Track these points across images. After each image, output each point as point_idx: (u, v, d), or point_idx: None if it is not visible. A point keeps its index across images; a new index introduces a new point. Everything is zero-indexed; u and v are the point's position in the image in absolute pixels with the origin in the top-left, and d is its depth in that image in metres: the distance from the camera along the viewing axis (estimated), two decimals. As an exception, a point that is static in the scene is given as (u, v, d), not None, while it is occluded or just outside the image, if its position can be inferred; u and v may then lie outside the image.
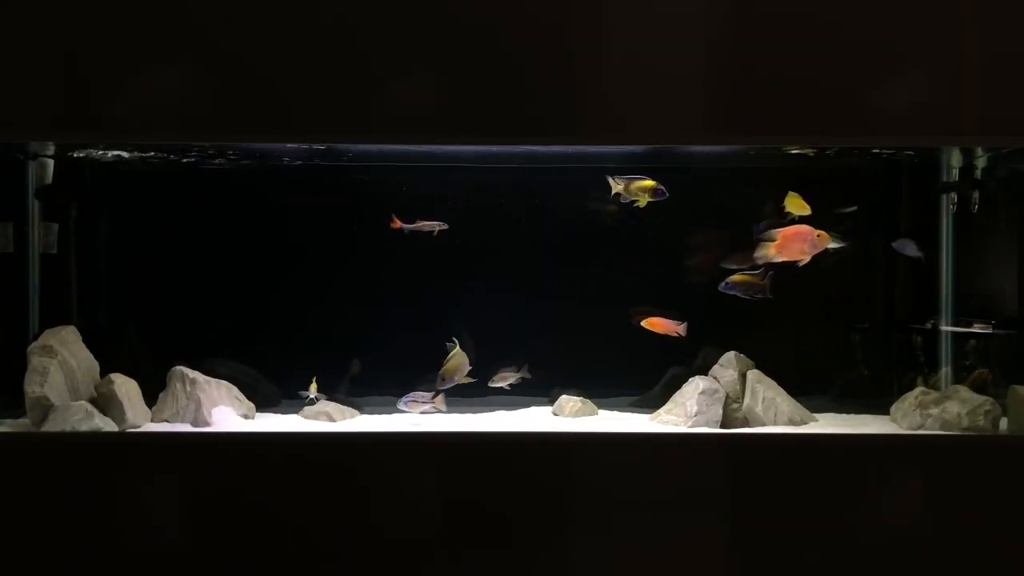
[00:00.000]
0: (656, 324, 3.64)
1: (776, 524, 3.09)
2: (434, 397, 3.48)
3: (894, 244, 3.79)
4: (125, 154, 3.71)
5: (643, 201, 3.51)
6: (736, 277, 3.53)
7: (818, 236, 3.40)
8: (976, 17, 3.12)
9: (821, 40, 3.12)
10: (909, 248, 3.81)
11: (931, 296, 3.96)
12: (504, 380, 3.63)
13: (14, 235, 3.74)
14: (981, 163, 3.82)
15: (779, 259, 3.43)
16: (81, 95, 3.09)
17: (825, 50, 3.12)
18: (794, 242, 3.40)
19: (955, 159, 3.87)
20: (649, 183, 3.49)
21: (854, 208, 3.93)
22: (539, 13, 3.10)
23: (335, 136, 3.26)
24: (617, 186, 3.51)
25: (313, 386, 3.63)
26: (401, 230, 3.63)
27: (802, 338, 4.01)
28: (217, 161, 3.79)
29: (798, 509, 3.09)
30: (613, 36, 3.11)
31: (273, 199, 3.88)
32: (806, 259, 3.42)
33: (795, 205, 3.53)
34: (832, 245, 3.59)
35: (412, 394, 3.51)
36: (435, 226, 3.65)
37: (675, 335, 3.63)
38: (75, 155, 3.76)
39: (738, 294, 3.53)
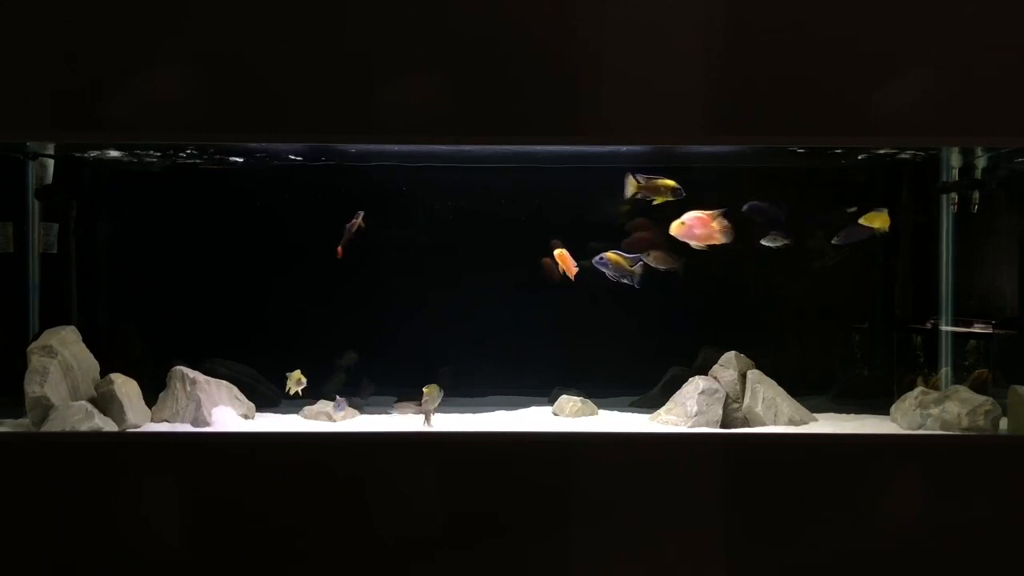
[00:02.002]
0: (563, 258, 3.67)
1: (776, 524, 3.09)
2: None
3: (835, 239, 3.79)
4: (123, 154, 3.72)
5: (660, 199, 3.54)
6: (610, 254, 3.57)
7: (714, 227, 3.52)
8: (976, 17, 3.12)
9: (821, 40, 3.12)
10: (854, 234, 3.80)
11: (931, 296, 3.96)
12: (405, 410, 3.57)
13: (14, 235, 3.74)
14: (981, 163, 3.83)
15: (684, 238, 3.51)
16: (81, 95, 3.09)
17: (825, 50, 3.12)
18: (697, 226, 3.50)
19: (955, 159, 3.87)
20: (669, 182, 3.53)
21: (854, 208, 3.93)
22: (539, 13, 3.10)
23: (334, 136, 3.26)
24: (633, 186, 3.54)
25: (295, 376, 3.61)
26: (347, 246, 3.63)
27: (802, 338, 4.01)
28: (217, 161, 3.79)
29: (798, 509, 3.09)
30: (613, 36, 3.10)
31: (273, 199, 3.88)
32: (699, 245, 3.52)
33: (878, 220, 3.63)
34: (773, 244, 3.64)
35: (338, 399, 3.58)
36: (356, 223, 3.65)
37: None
38: (76, 155, 3.76)
39: (607, 272, 3.57)
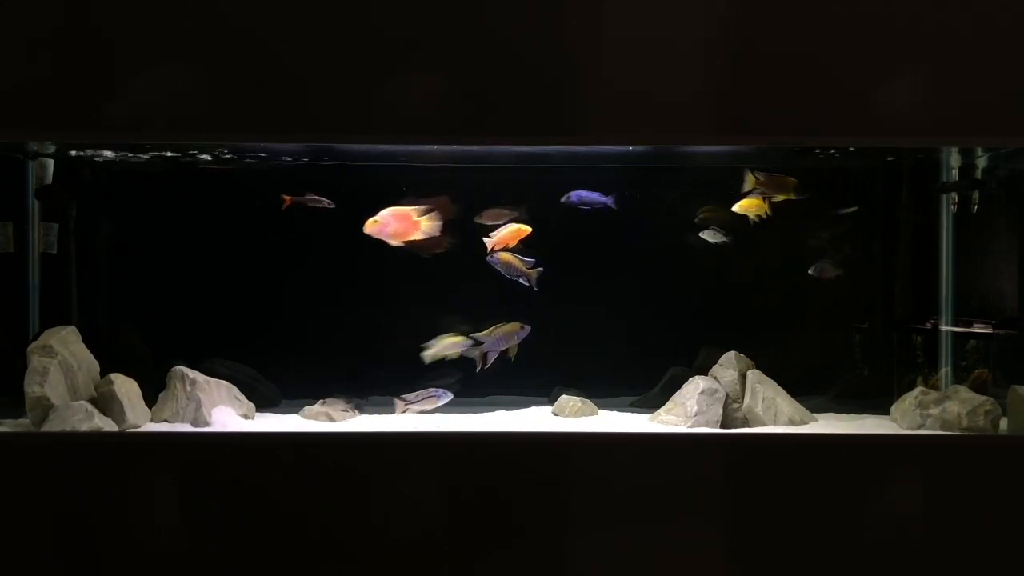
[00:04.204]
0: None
1: (776, 524, 3.09)
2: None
3: (812, 270, 3.83)
4: (121, 154, 3.72)
5: (781, 196, 3.58)
6: (504, 255, 3.56)
7: (417, 221, 3.39)
8: (977, 17, 3.12)
9: (821, 40, 3.12)
10: (826, 270, 3.82)
11: (931, 296, 3.96)
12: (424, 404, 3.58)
13: (14, 235, 3.74)
14: (981, 163, 3.83)
15: (379, 236, 3.37)
16: (81, 95, 3.09)
17: (825, 50, 3.12)
18: (391, 222, 3.38)
19: (955, 159, 3.87)
20: (791, 179, 3.56)
21: (854, 208, 3.93)
22: (539, 12, 3.10)
23: (334, 136, 3.26)
24: (751, 181, 3.56)
25: (452, 339, 3.53)
26: (293, 203, 3.61)
27: (802, 338, 4.01)
28: (217, 161, 3.79)
29: (798, 509, 3.09)
30: (613, 37, 3.10)
31: (273, 199, 3.87)
32: (397, 242, 3.38)
33: (753, 207, 3.64)
34: (714, 239, 3.65)
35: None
36: (322, 201, 3.64)
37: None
38: (75, 155, 3.76)
39: (500, 271, 3.56)
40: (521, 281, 3.58)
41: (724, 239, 3.72)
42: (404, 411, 3.53)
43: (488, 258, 3.60)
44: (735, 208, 3.67)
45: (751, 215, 3.66)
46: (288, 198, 3.59)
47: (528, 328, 3.53)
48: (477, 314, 3.76)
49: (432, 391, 3.52)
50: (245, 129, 3.16)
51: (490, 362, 3.51)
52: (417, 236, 3.39)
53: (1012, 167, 3.74)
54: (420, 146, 3.53)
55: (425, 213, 3.39)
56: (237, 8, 3.08)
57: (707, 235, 3.74)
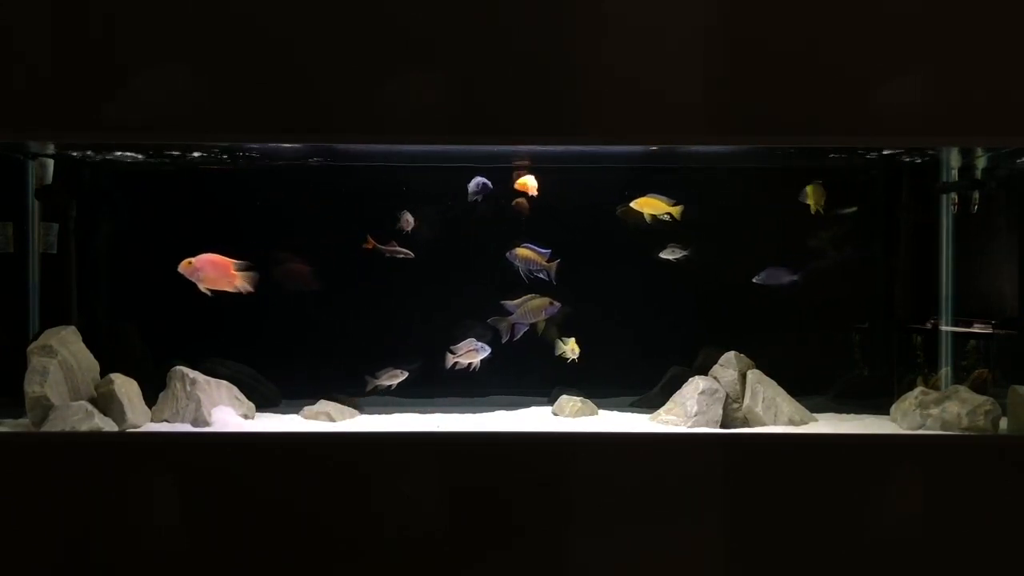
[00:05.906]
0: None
1: (776, 524, 3.09)
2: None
3: (757, 278, 3.83)
4: (127, 154, 3.72)
5: (815, 208, 3.73)
6: (521, 250, 3.63)
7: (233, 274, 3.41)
8: (976, 17, 3.12)
9: (821, 41, 3.12)
10: (780, 277, 3.83)
11: (931, 296, 3.96)
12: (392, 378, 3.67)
13: (14, 235, 3.74)
14: (981, 163, 3.83)
15: (191, 278, 3.39)
16: (81, 95, 3.09)
17: (825, 50, 3.12)
18: (206, 268, 3.40)
19: (955, 159, 3.87)
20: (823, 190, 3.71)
21: (853, 209, 3.93)
22: (540, 14, 3.10)
23: (334, 136, 3.26)
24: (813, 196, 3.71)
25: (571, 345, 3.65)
26: (374, 249, 3.69)
27: (802, 338, 4.01)
28: (217, 161, 3.80)
29: (798, 509, 3.09)
30: (614, 37, 3.11)
31: (272, 199, 3.88)
32: (205, 288, 3.40)
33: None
34: (672, 256, 3.68)
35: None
36: (404, 253, 3.73)
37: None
38: (75, 155, 3.77)
39: (519, 265, 3.63)
40: (540, 276, 3.60)
41: (684, 253, 3.74)
42: (454, 364, 3.61)
43: (507, 255, 3.65)
44: (632, 204, 3.69)
45: (647, 214, 3.68)
46: (372, 242, 3.64)
47: (558, 305, 3.57)
48: (476, 314, 3.77)
49: (474, 343, 3.62)
50: (244, 129, 3.16)
51: (518, 335, 3.56)
52: (228, 288, 3.42)
53: (1012, 167, 3.74)
54: (417, 146, 3.54)
55: (246, 269, 3.43)
56: (237, 8, 3.08)
57: (666, 253, 3.75)
